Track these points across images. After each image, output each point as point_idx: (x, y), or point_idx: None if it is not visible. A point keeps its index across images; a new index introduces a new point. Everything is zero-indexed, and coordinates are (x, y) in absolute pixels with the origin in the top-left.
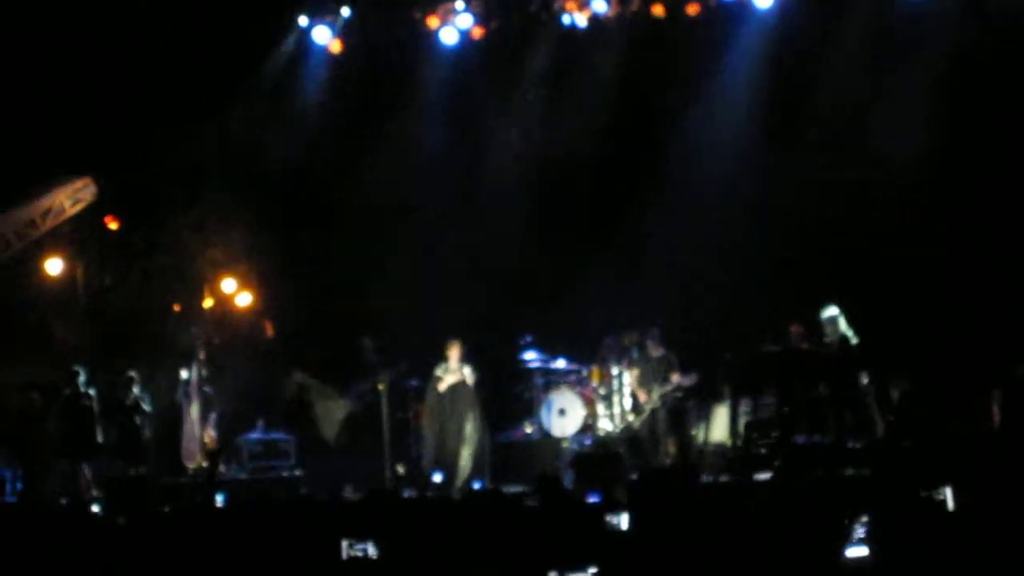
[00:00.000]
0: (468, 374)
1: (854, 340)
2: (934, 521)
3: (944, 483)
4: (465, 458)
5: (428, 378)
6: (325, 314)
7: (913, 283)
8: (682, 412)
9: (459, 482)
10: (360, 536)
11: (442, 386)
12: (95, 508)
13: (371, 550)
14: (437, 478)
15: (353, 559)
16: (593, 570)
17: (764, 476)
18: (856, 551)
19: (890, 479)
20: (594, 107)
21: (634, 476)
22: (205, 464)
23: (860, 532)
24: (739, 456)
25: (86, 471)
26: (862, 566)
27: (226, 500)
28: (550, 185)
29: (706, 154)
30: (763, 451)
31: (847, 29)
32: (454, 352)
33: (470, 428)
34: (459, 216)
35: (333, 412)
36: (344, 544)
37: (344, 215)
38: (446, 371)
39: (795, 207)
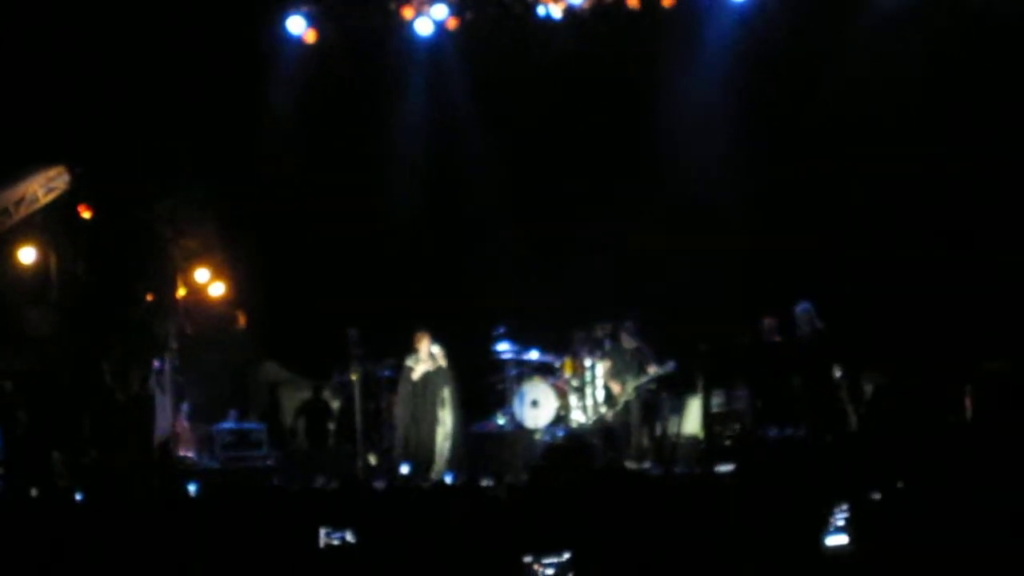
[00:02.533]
0: (439, 355)
1: (826, 333)
2: (913, 509)
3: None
4: (440, 443)
5: (400, 369)
6: (301, 305)
7: (886, 277)
8: (656, 404)
9: (435, 470)
10: (335, 525)
11: (415, 375)
12: (77, 497)
13: (349, 538)
14: (405, 469)
15: (330, 547)
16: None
17: (727, 468)
18: (836, 539)
19: (865, 470)
20: (567, 97)
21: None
22: (176, 454)
23: (840, 520)
24: (704, 448)
25: (58, 460)
26: (841, 554)
27: (199, 489)
28: (523, 175)
29: (680, 144)
30: (727, 443)
31: (825, 19)
32: (423, 343)
33: (445, 413)
34: (432, 206)
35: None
36: (322, 532)
37: (319, 207)
38: (417, 361)
39: (769, 200)
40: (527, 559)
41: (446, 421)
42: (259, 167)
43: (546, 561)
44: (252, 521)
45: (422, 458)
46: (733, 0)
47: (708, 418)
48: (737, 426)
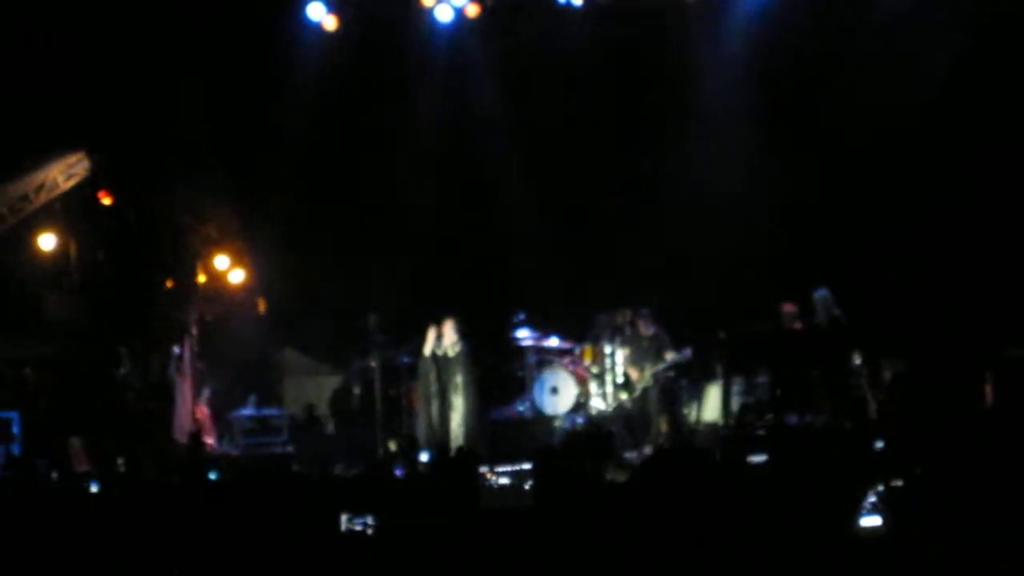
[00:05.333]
0: (457, 341)
1: (844, 320)
2: (947, 489)
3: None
4: (455, 429)
5: (420, 355)
6: (322, 292)
7: (906, 262)
8: (674, 391)
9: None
10: (356, 511)
11: (435, 361)
12: (93, 487)
13: (370, 523)
14: (424, 457)
15: (352, 532)
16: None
17: (759, 458)
18: (869, 520)
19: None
20: (590, 83)
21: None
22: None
23: (872, 501)
24: (732, 436)
25: (77, 445)
26: (875, 535)
27: (218, 476)
28: (544, 162)
29: (700, 127)
30: (760, 432)
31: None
32: (447, 329)
33: (458, 398)
34: (453, 193)
35: (326, 390)
36: (343, 518)
37: (338, 194)
38: (437, 347)
39: (789, 184)
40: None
41: (458, 407)
42: (279, 154)
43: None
44: (274, 507)
45: (442, 445)
46: None
47: (740, 408)
48: (770, 416)
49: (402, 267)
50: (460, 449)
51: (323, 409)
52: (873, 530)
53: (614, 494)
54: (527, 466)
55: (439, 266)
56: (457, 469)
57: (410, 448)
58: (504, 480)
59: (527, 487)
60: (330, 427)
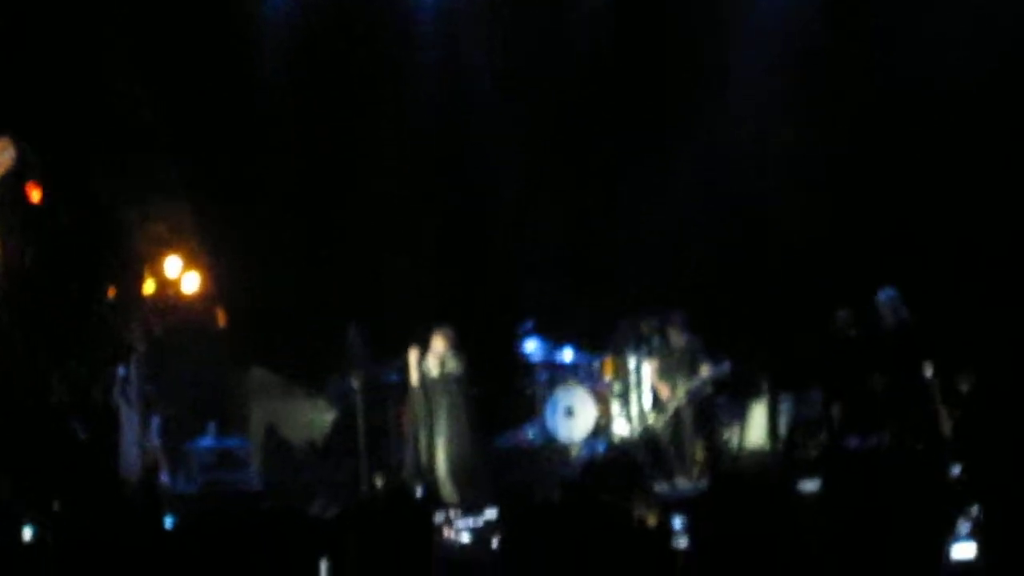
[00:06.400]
0: (453, 364)
1: (914, 325)
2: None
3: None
4: (442, 468)
5: (409, 373)
6: (292, 300)
7: (986, 259)
8: (712, 411)
9: (444, 493)
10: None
11: (428, 381)
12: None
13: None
14: (418, 492)
15: None
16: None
17: (811, 486)
18: (962, 549)
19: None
20: (602, 59)
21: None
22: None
23: (965, 529)
24: (781, 463)
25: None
26: (971, 568)
27: (175, 523)
28: (552, 146)
29: (739, 105)
30: (811, 453)
31: None
32: (439, 341)
33: (449, 430)
34: (446, 183)
35: (300, 415)
36: (323, 566)
37: (313, 186)
38: (432, 364)
39: (844, 166)
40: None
41: (444, 436)
42: (242, 141)
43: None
44: (242, 556)
45: (427, 484)
46: None
47: (790, 430)
48: (823, 435)
49: (388, 271)
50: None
51: (296, 438)
52: (966, 564)
53: (643, 540)
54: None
55: (431, 269)
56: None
57: (397, 483)
58: (465, 537)
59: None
60: (305, 459)
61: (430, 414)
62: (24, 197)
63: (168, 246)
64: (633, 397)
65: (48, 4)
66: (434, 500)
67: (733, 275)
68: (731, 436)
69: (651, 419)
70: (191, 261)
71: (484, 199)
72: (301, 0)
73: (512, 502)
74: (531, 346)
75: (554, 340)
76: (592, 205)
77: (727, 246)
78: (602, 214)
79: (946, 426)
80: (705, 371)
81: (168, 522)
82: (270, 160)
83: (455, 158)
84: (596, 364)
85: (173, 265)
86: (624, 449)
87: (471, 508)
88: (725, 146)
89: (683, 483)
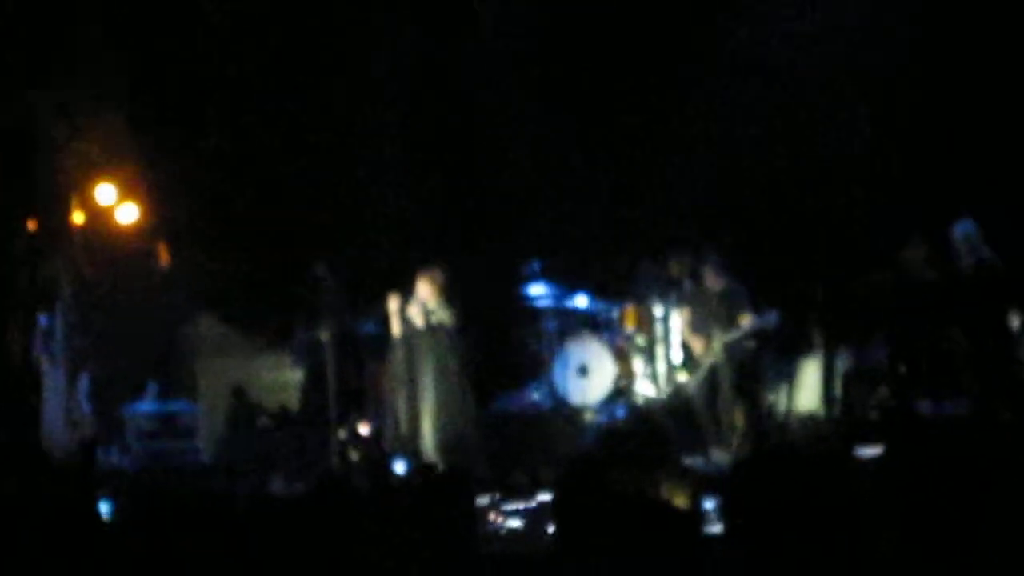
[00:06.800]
0: (443, 314)
1: (997, 265)
2: None
3: None
4: (428, 435)
5: (391, 323)
6: (250, 234)
7: None
8: (755, 369)
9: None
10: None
11: (413, 332)
12: None
13: None
14: (399, 468)
15: None
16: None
17: (872, 451)
18: None
19: None
20: None
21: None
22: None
23: None
24: (838, 425)
25: None
26: None
27: (113, 509)
28: (562, 47)
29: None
30: (872, 416)
31: None
32: (426, 286)
33: (436, 392)
34: (433, 92)
35: (259, 374)
36: None
37: (276, 95)
38: (417, 312)
39: (912, 75)
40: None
41: (431, 400)
42: (189, 37)
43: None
44: (190, 547)
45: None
46: None
47: (846, 391)
48: (885, 390)
49: (364, 199)
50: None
51: (254, 401)
52: None
53: (674, 524)
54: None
55: (416, 196)
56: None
57: (377, 456)
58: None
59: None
60: (264, 425)
61: (415, 373)
62: None
63: (101, 170)
64: (660, 352)
65: None
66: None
67: (780, 205)
68: (777, 399)
69: (682, 379)
70: (128, 188)
71: (480, 110)
72: None
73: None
74: (537, 291)
75: (565, 284)
76: (610, 117)
77: (773, 170)
78: (623, 129)
79: None
80: (747, 321)
81: (104, 508)
82: (225, 62)
83: (446, 62)
84: (615, 313)
85: (106, 192)
86: (648, 415)
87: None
88: (772, 53)
89: (719, 456)
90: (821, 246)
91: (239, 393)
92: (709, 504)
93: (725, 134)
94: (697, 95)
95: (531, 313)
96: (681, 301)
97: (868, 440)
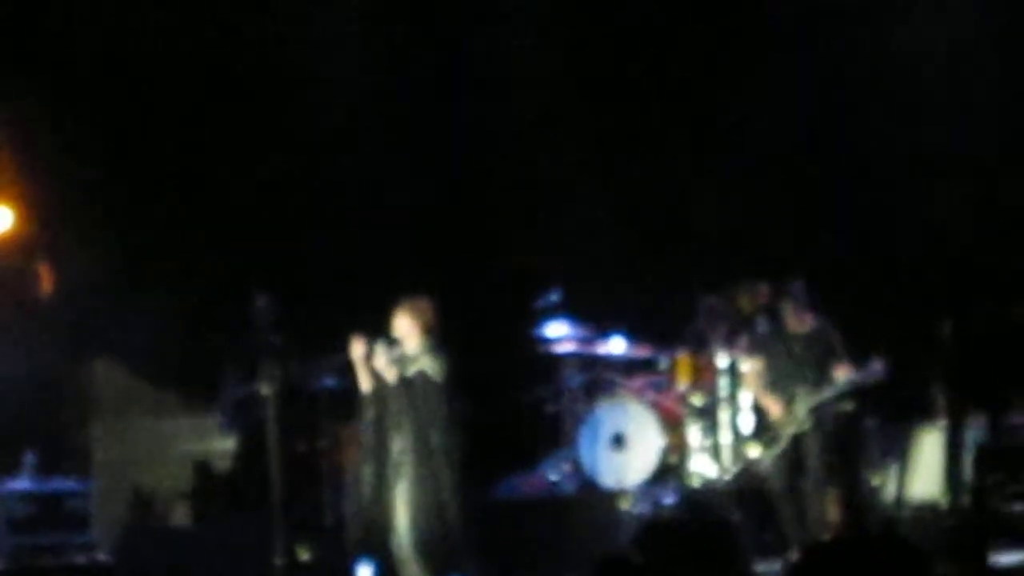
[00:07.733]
0: (427, 362)
1: None
2: None
3: None
4: (403, 529)
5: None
6: (163, 253)
7: None
8: (854, 441)
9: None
10: None
11: (380, 382)
12: None
13: None
14: (366, 573)
15: None
16: None
17: (1013, 558)
18: None
19: None
20: None
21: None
22: None
23: None
24: (966, 520)
25: None
26: None
27: None
28: (588, 33)
29: None
30: (1014, 508)
31: None
32: (405, 323)
33: (415, 470)
34: (424, 75)
35: (175, 440)
36: None
37: (199, 76)
38: (390, 358)
39: None
40: None
41: (403, 473)
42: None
43: None
44: None
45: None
46: None
47: (976, 460)
48: None
49: (322, 204)
50: None
51: (168, 478)
52: None
53: None
54: None
55: (395, 201)
56: None
57: (334, 558)
58: None
59: None
60: (182, 515)
61: (386, 442)
62: None
63: None
64: (724, 417)
65: None
66: None
67: (886, 226)
68: (884, 482)
69: (754, 454)
70: (4, 195)
71: (486, 99)
72: None
73: None
74: (556, 331)
75: (594, 323)
76: (656, 116)
77: (876, 181)
78: (670, 130)
79: None
80: (843, 375)
81: None
82: (132, 47)
83: (448, 64)
84: (663, 363)
85: None
86: (707, 503)
87: None
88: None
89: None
90: (943, 278)
91: (148, 468)
92: None
93: (808, 142)
94: (766, 96)
95: (548, 362)
96: (754, 348)
97: (1008, 543)
